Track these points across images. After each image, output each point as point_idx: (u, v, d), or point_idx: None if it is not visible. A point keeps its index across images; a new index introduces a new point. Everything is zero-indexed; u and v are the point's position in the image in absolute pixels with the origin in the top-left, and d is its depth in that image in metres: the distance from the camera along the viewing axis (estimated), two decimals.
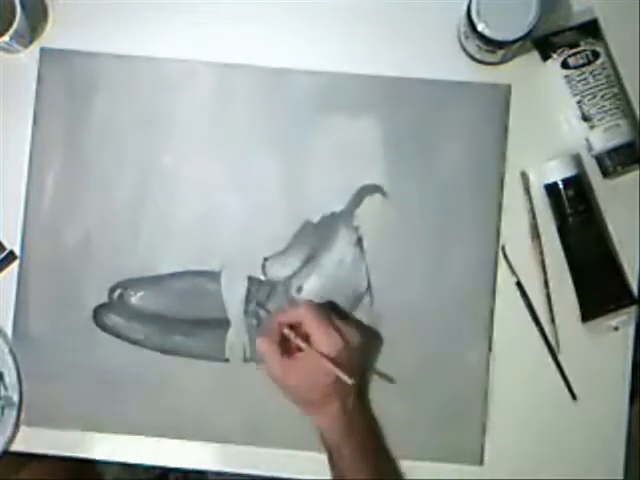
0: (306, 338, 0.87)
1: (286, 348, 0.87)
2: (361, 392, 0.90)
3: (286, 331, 0.87)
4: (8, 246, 0.94)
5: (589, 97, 0.92)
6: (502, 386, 0.93)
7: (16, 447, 0.93)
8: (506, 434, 0.92)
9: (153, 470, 0.96)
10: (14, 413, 0.92)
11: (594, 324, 0.92)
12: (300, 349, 0.87)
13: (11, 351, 0.92)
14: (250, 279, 0.94)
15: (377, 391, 0.92)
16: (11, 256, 0.94)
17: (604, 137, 0.91)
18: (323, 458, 0.92)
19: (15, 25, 0.89)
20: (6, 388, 0.92)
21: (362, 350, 0.89)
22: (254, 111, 0.94)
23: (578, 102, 0.92)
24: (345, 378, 0.85)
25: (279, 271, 0.94)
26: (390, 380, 0.92)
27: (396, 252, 0.93)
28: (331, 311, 0.90)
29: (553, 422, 0.93)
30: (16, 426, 0.92)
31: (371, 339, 0.92)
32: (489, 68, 0.94)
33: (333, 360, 0.85)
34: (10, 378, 0.92)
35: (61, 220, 0.94)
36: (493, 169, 0.94)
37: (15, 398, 0.92)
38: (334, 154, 0.94)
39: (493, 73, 0.94)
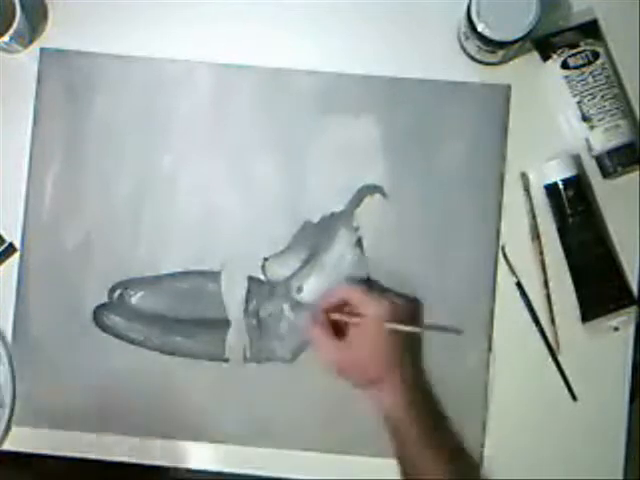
0: (354, 314, 0.88)
1: (336, 331, 0.89)
2: (415, 360, 0.91)
3: (336, 315, 0.89)
4: (8, 239, 0.94)
5: (589, 97, 0.92)
6: (502, 386, 0.93)
7: (16, 448, 0.93)
8: (506, 434, 0.92)
9: None
10: (6, 413, 0.92)
11: (594, 324, 0.92)
12: (349, 327, 0.88)
13: (7, 351, 0.92)
14: (250, 279, 0.94)
15: None
16: (11, 249, 0.94)
17: (604, 137, 0.91)
18: (323, 458, 0.92)
19: (15, 25, 0.89)
20: None
21: (409, 313, 0.91)
22: (254, 111, 0.94)
23: (578, 102, 0.92)
24: (411, 328, 0.87)
25: (279, 271, 0.94)
26: (457, 332, 0.92)
27: (396, 252, 0.93)
28: (369, 284, 0.92)
29: (553, 422, 0.93)
30: (7, 427, 0.92)
31: (413, 303, 0.93)
32: (489, 68, 0.94)
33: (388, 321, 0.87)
34: (4, 378, 0.92)
35: (61, 220, 0.94)
36: (493, 169, 0.94)
37: (7, 399, 0.92)
38: (334, 154, 0.94)
39: (493, 73, 0.94)
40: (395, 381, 0.87)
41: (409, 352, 0.90)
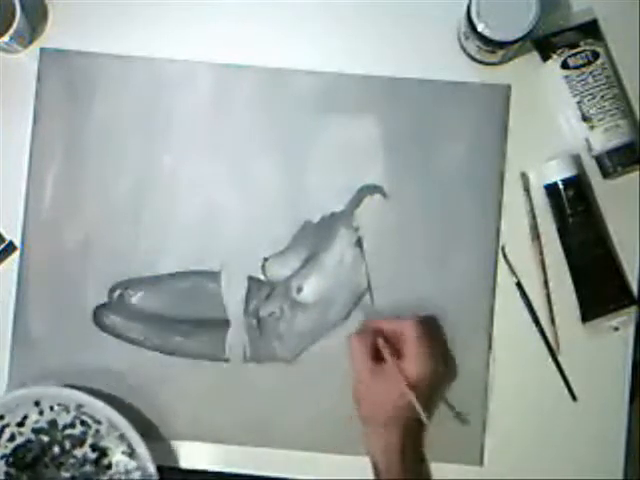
0: (398, 352, 0.87)
1: (374, 354, 0.88)
2: (422, 424, 0.89)
3: (381, 342, 0.87)
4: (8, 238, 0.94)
5: (589, 97, 0.92)
6: (502, 386, 0.93)
7: None
8: (506, 434, 0.92)
9: None
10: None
11: (594, 324, 0.92)
12: (387, 362, 0.87)
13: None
14: (250, 279, 0.94)
15: None
16: (11, 247, 0.94)
17: (604, 137, 0.91)
18: (323, 458, 0.92)
19: (15, 25, 0.89)
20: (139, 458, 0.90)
21: (441, 382, 0.90)
22: (254, 111, 0.94)
23: (578, 102, 0.92)
24: (421, 413, 0.85)
25: (279, 271, 0.94)
26: (463, 421, 0.91)
27: (396, 252, 0.93)
28: (431, 331, 0.90)
29: (553, 422, 0.93)
30: None
31: (451, 370, 0.92)
32: (489, 68, 0.94)
33: (414, 387, 0.85)
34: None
35: (61, 219, 0.94)
36: (493, 169, 0.94)
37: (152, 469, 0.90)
38: (334, 154, 0.94)
39: (493, 73, 0.94)
40: (393, 435, 0.86)
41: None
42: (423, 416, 0.85)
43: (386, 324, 0.89)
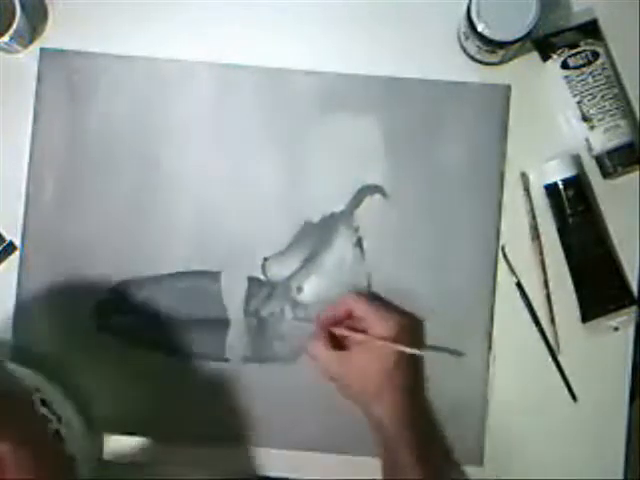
0: (357, 329, 0.88)
1: (337, 345, 0.89)
2: (416, 376, 0.90)
3: (337, 331, 0.89)
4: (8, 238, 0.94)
5: (589, 97, 0.92)
6: (502, 386, 0.93)
7: None
8: (506, 434, 0.92)
9: None
10: None
11: (594, 324, 0.92)
12: (351, 340, 0.88)
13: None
14: (250, 279, 0.94)
15: None
16: (11, 247, 0.94)
17: (604, 137, 0.91)
18: (321, 458, 0.92)
19: (15, 25, 0.89)
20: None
21: (414, 329, 0.91)
22: (254, 111, 0.94)
23: (578, 102, 0.92)
24: (414, 351, 0.86)
25: (279, 271, 0.94)
26: (459, 354, 0.92)
27: (396, 252, 0.93)
28: (374, 298, 0.92)
29: (553, 422, 0.93)
30: None
31: (416, 320, 0.93)
32: (489, 68, 0.94)
33: (394, 340, 0.86)
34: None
35: (61, 220, 0.94)
36: (493, 169, 0.94)
37: None
38: (334, 154, 0.94)
39: (493, 73, 0.94)
40: (396, 397, 0.86)
41: (411, 368, 0.89)
42: (414, 351, 0.86)
43: (334, 311, 0.90)
